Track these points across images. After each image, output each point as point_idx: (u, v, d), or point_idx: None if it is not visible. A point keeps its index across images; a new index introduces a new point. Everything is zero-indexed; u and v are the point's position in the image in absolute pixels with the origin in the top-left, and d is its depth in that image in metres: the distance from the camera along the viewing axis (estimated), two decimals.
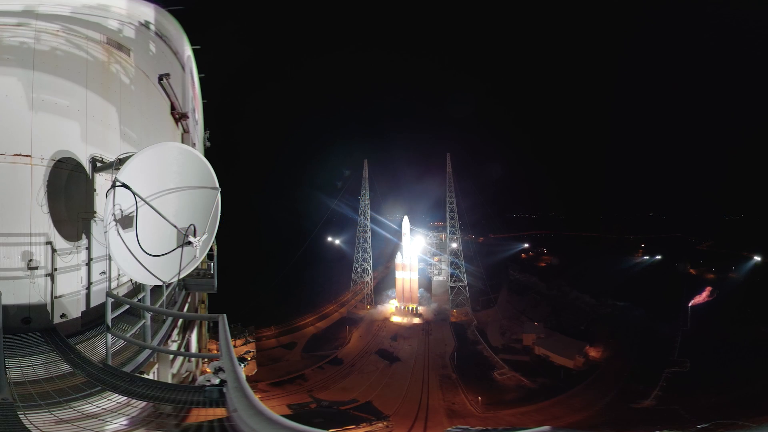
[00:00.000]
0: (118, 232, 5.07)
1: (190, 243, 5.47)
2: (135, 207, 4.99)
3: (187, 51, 10.43)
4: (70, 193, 5.88)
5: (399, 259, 51.46)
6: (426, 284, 53.02)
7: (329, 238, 58.57)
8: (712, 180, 78.81)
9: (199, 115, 11.82)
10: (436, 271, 54.79)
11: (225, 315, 5.88)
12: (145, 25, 7.85)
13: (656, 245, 65.45)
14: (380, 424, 28.10)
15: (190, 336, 9.10)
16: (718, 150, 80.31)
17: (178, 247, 5.37)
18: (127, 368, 5.29)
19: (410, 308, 49.95)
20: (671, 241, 63.26)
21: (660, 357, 36.24)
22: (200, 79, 11.72)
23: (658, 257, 62.60)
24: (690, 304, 43.87)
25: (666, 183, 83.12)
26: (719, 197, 71.97)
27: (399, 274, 51.46)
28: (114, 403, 4.21)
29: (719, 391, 28.57)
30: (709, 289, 48.51)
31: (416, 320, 48.94)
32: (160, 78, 8.09)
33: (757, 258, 54.27)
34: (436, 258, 55.89)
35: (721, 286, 48.51)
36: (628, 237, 71.22)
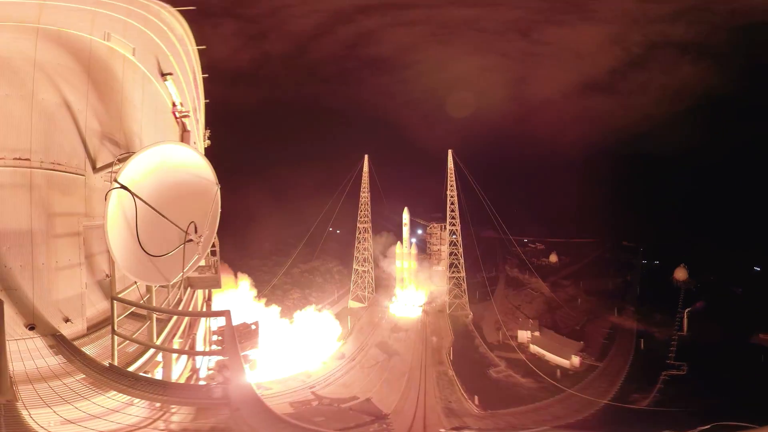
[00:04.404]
0: (119, 233, 5.06)
1: (191, 241, 5.48)
2: (135, 208, 4.97)
3: (191, 50, 10.36)
4: (71, 195, 5.82)
5: (399, 250, 51.90)
6: (425, 275, 53.48)
7: (330, 229, 58.80)
8: (710, 180, 78.49)
9: (200, 114, 11.78)
10: (435, 263, 55.32)
11: (230, 311, 5.90)
12: (149, 23, 7.79)
13: (655, 248, 65.29)
14: (380, 423, 28.35)
15: (195, 334, 9.13)
16: (717, 150, 79.83)
17: (179, 246, 5.37)
18: (132, 368, 5.32)
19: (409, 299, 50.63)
20: (670, 244, 63.03)
21: (657, 360, 36.16)
22: (205, 78, 11.67)
23: (656, 262, 62.54)
24: (688, 308, 43.64)
25: (666, 184, 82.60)
26: (718, 200, 71.59)
27: (399, 265, 51.96)
28: (119, 403, 4.25)
29: (717, 395, 28.39)
30: (707, 296, 48.09)
31: (415, 311, 49.41)
32: (163, 77, 8.05)
33: (757, 267, 54.21)
34: (436, 249, 56.34)
35: (719, 290, 48.31)
36: (627, 240, 71.05)
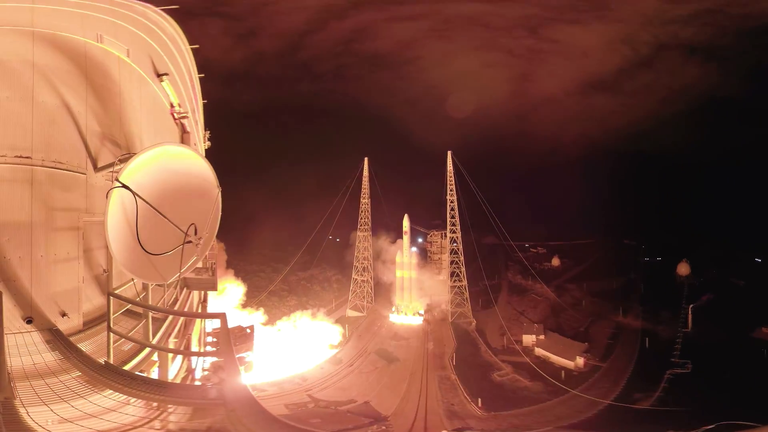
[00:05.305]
0: (118, 230, 5.10)
1: (190, 242, 5.50)
2: (135, 207, 5.01)
3: (185, 50, 10.43)
4: (71, 192, 5.88)
5: (399, 257, 51.59)
6: (426, 284, 53.12)
7: (329, 237, 58.76)
8: (710, 181, 78.52)
9: (199, 115, 11.84)
10: (436, 271, 54.94)
11: (226, 314, 5.92)
12: (138, 24, 7.85)
13: (657, 246, 65.19)
14: (378, 426, 28.15)
15: (190, 335, 9.14)
16: (717, 150, 79.90)
17: (178, 247, 5.39)
18: (128, 367, 5.33)
19: (410, 308, 50.29)
20: (672, 242, 63.02)
21: (662, 359, 36.07)
22: (200, 79, 11.72)
23: (659, 258, 62.43)
24: (691, 306, 43.57)
25: (666, 184, 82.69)
26: (719, 198, 71.62)
27: (399, 274, 51.60)
28: (115, 401, 4.25)
29: (722, 393, 28.34)
30: (710, 290, 48.15)
31: (416, 320, 49.03)
32: (160, 78, 8.11)
33: (758, 259, 54.16)
34: (437, 257, 56.08)
35: (722, 287, 48.24)
36: (628, 238, 70.93)
